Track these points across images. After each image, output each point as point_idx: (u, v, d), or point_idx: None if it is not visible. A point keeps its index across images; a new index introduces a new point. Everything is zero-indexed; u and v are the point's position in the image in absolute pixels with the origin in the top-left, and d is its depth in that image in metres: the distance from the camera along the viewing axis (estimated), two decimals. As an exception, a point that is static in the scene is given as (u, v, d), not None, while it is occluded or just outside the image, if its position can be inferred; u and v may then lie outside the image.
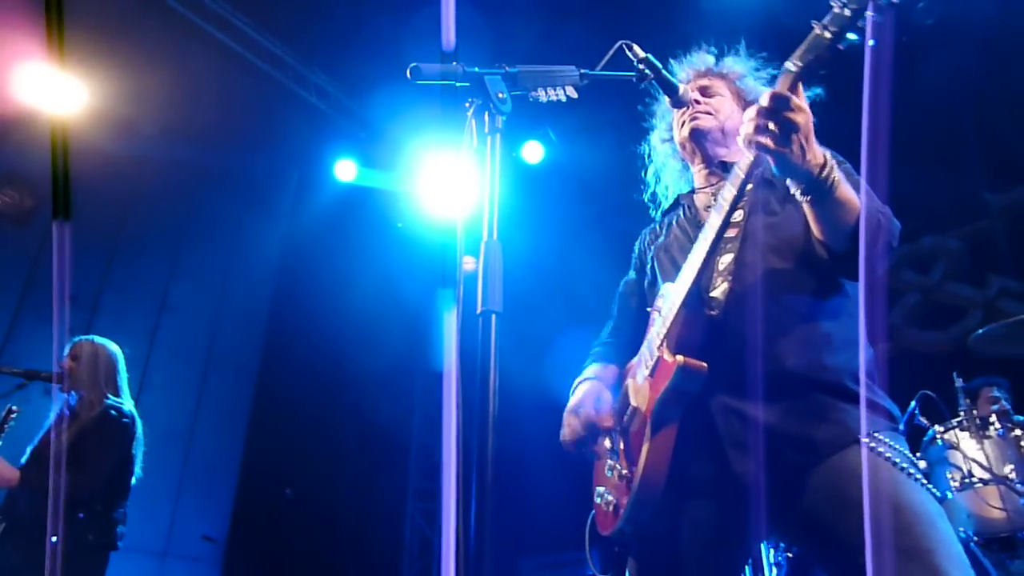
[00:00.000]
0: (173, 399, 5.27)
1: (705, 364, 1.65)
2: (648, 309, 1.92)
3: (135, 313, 5.28)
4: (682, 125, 2.02)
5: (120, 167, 5.01)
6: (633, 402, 1.79)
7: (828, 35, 1.47)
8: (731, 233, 1.77)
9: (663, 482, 1.68)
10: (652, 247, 2.08)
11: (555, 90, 1.66)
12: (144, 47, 4.99)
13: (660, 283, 1.93)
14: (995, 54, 4.69)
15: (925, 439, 3.49)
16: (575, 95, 1.70)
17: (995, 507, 3.12)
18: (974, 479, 3.22)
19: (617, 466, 1.81)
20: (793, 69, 1.50)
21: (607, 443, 1.90)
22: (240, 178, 5.92)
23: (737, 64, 2.11)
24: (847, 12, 1.44)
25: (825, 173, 1.52)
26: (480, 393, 1.27)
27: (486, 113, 1.49)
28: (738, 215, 1.75)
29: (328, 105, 6.16)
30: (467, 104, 1.51)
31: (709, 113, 2.00)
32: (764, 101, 1.47)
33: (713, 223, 1.66)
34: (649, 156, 2.26)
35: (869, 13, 1.43)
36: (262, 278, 6.35)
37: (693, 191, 2.10)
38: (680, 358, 1.65)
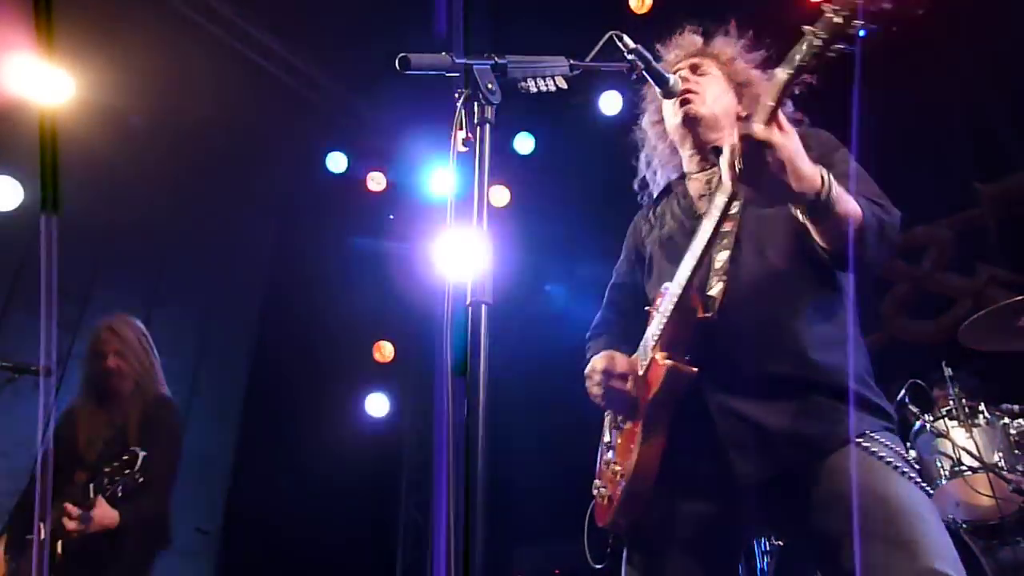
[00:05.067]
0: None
1: (695, 369, 1.66)
2: (647, 308, 1.90)
3: (126, 306, 5.26)
4: (675, 110, 2.01)
5: (110, 159, 4.97)
6: (627, 398, 1.80)
7: (819, 41, 1.44)
8: (727, 227, 1.76)
9: (653, 477, 1.70)
10: (648, 238, 2.06)
11: (545, 81, 1.66)
12: (134, 38, 4.95)
13: (660, 278, 1.91)
14: (986, 45, 4.70)
15: (915, 428, 3.52)
16: (565, 86, 1.69)
17: (984, 494, 3.16)
18: (963, 467, 3.25)
19: (612, 461, 1.83)
20: (784, 76, 1.48)
21: (606, 437, 1.92)
22: (232, 170, 5.89)
23: (727, 46, 2.09)
24: (838, 19, 1.41)
25: (823, 194, 1.50)
26: (470, 384, 1.27)
27: (476, 103, 1.49)
28: (734, 207, 1.74)
29: (321, 96, 6.14)
30: (457, 94, 1.51)
31: (699, 94, 1.98)
32: (734, 140, 1.46)
33: (706, 228, 1.66)
34: (641, 142, 2.24)
35: (859, 22, 1.40)
36: (254, 270, 6.34)
37: (684, 176, 2.08)
38: (669, 362, 1.66)
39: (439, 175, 6.16)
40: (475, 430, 1.23)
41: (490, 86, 1.50)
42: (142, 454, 2.85)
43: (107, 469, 2.86)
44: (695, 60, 2.06)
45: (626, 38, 1.79)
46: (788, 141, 1.46)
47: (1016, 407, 3.38)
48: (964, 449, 3.25)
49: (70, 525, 2.79)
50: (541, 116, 5.89)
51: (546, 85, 1.66)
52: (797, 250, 1.71)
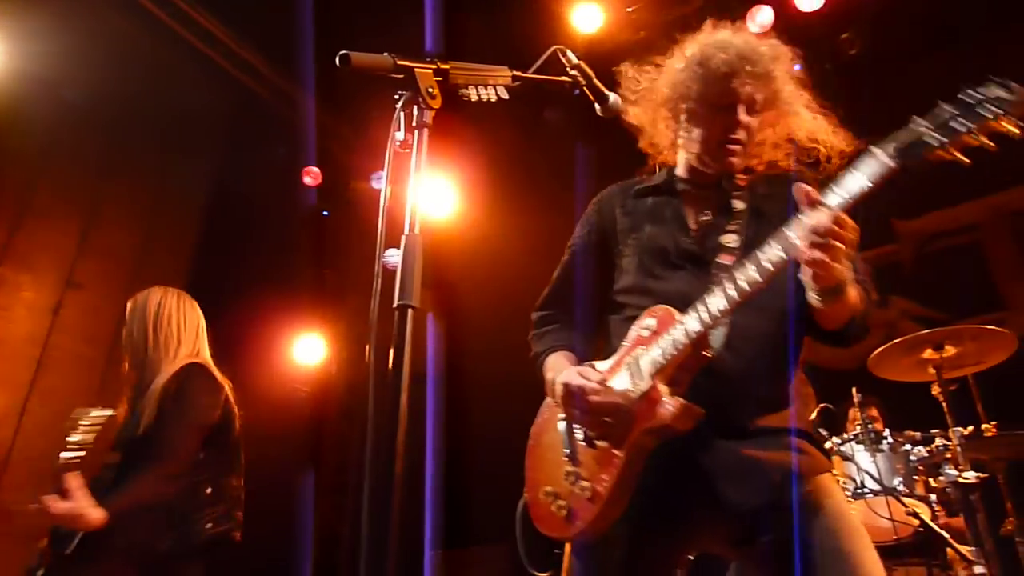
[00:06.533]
0: (77, 381, 5.03)
1: (703, 411, 1.63)
2: (628, 315, 1.83)
3: (37, 288, 5.03)
4: (713, 138, 1.85)
5: (35, 129, 4.76)
6: (608, 419, 1.73)
7: (935, 142, 1.33)
8: (726, 260, 1.75)
9: (627, 501, 1.69)
10: (626, 233, 1.95)
11: (487, 90, 1.66)
12: (68, 9, 4.75)
13: (644, 288, 1.84)
14: (903, 91, 4.94)
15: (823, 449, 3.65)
16: (506, 96, 1.70)
17: (883, 517, 3.30)
18: (866, 489, 3.40)
19: (577, 474, 1.76)
20: (892, 167, 1.37)
21: (563, 439, 1.83)
22: (161, 153, 5.71)
23: (780, 75, 1.86)
24: (959, 126, 1.31)
25: (844, 283, 1.52)
26: (393, 387, 1.26)
27: (415, 107, 1.49)
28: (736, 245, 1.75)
29: (262, 86, 6.00)
30: (396, 96, 1.50)
31: (746, 146, 1.85)
32: (825, 221, 1.41)
33: (751, 279, 1.56)
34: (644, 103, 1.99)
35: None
36: (180, 260, 6.13)
37: (677, 182, 1.96)
38: (680, 401, 1.63)
39: (377, 176, 6.11)
40: (393, 433, 1.22)
41: (431, 90, 1.50)
42: (107, 412, 2.58)
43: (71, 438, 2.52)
44: (752, 90, 1.82)
45: (569, 53, 1.81)
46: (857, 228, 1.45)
47: (918, 434, 3.55)
48: (867, 472, 3.40)
49: (44, 516, 2.47)
50: (484, 123, 5.90)
51: (487, 94, 1.67)
52: (784, 308, 1.71)
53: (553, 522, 1.78)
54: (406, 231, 1.37)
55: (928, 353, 3.46)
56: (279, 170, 6.26)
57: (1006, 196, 4.94)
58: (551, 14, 5.17)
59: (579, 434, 1.80)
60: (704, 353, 1.67)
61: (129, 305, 3.00)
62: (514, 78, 1.70)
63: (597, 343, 1.94)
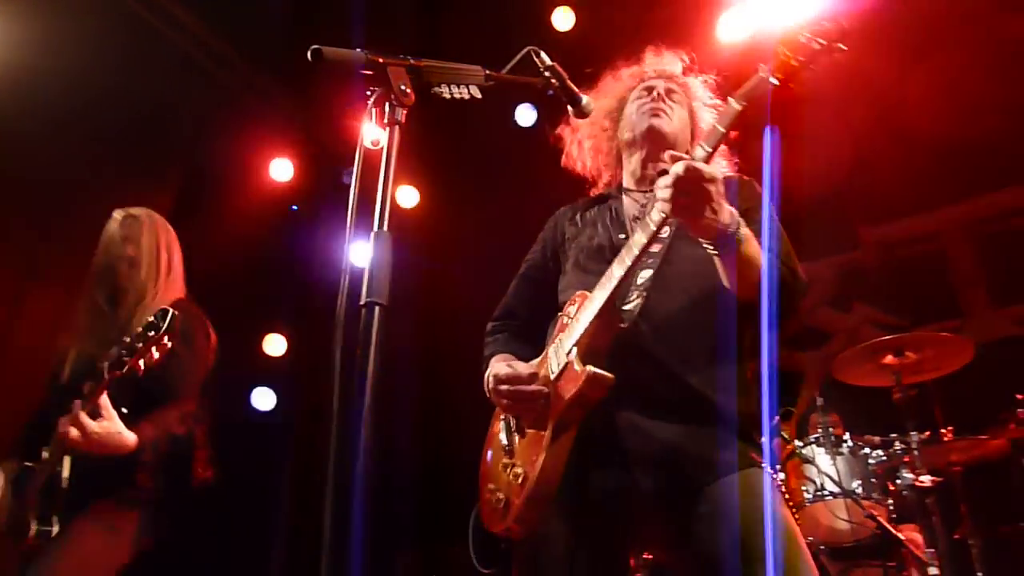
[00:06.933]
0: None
1: (612, 376, 1.68)
2: (560, 313, 1.91)
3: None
4: (641, 115, 2.05)
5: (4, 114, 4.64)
6: (535, 405, 1.78)
7: (775, 80, 1.58)
8: (654, 248, 1.81)
9: (556, 484, 1.72)
10: (571, 241, 2.07)
11: (459, 88, 1.66)
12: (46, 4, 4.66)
13: (574, 284, 1.93)
14: (874, 98, 5.04)
15: (786, 453, 3.71)
16: (479, 95, 1.71)
17: (842, 519, 3.36)
18: (825, 492, 3.45)
19: (512, 464, 1.82)
20: (738, 108, 1.61)
21: (503, 440, 1.90)
22: (133, 144, 5.60)
23: (698, 87, 2.16)
24: (795, 63, 1.56)
25: (731, 231, 1.60)
26: (358, 386, 1.26)
27: (387, 103, 1.48)
28: (665, 231, 1.79)
29: (233, 78, 5.92)
30: (368, 93, 1.50)
31: (669, 116, 2.03)
32: (680, 170, 1.54)
33: (639, 240, 1.69)
34: (583, 128, 2.22)
35: (813, 67, 1.57)
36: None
37: (621, 190, 2.10)
38: (589, 368, 1.67)
39: (346, 172, 6.06)
40: (357, 433, 1.21)
41: (403, 87, 1.50)
42: (172, 312, 2.21)
43: (126, 339, 2.22)
44: (671, 85, 2.11)
45: (543, 54, 1.82)
46: (719, 177, 1.57)
47: (877, 438, 3.62)
48: (827, 475, 3.45)
49: (72, 435, 2.22)
50: (457, 122, 5.89)
51: (460, 92, 1.67)
52: (711, 291, 1.78)
53: (494, 516, 1.84)
54: (375, 228, 1.36)
55: (889, 359, 3.53)
56: (251, 163, 6.18)
57: (969, 205, 5.05)
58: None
59: (514, 426, 1.87)
60: (617, 324, 1.74)
61: (126, 221, 2.79)
62: (487, 77, 1.70)
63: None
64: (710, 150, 1.63)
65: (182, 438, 2.54)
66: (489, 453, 1.96)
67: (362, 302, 1.32)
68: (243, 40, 5.78)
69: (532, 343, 2.02)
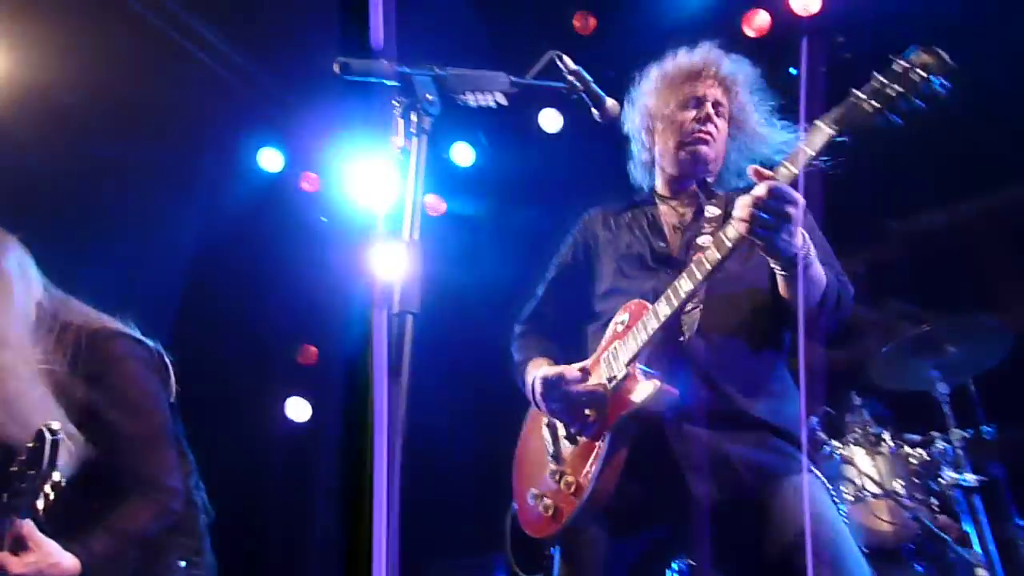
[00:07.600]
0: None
1: (677, 391, 1.68)
2: (609, 320, 1.89)
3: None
4: (684, 132, 1.97)
5: (25, 139, 4.74)
6: (588, 412, 1.79)
7: (870, 110, 1.48)
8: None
9: (612, 494, 1.72)
10: (605, 246, 2.05)
11: (484, 95, 1.67)
12: (60, 17, 4.74)
13: (617, 292, 1.92)
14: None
15: (823, 454, 3.64)
16: (504, 102, 1.71)
17: (884, 520, 3.29)
18: (866, 493, 3.39)
19: (561, 471, 1.81)
20: (830, 132, 1.52)
21: (550, 447, 1.88)
22: (158, 163, 5.69)
23: (745, 89, 2.01)
24: (894, 93, 1.45)
25: (803, 255, 1.58)
26: (391, 394, 1.26)
27: (413, 113, 1.49)
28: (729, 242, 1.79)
29: (255, 92, 5.99)
30: (394, 103, 1.51)
31: (716, 140, 1.97)
32: (762, 192, 1.50)
33: (711, 257, 1.66)
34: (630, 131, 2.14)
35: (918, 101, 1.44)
36: (174, 267, 6.10)
37: (654, 197, 2.08)
38: (657, 382, 1.68)
39: (373, 182, 6.09)
40: (393, 441, 1.21)
41: (429, 97, 1.50)
42: (53, 427, 1.69)
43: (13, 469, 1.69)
44: (716, 92, 1.99)
45: (566, 59, 1.82)
46: (801, 200, 1.53)
47: (917, 437, 3.55)
48: (867, 475, 3.39)
49: None
50: (481, 129, 5.91)
51: (485, 100, 1.67)
52: (763, 303, 1.78)
53: (541, 523, 1.83)
54: (406, 233, 1.37)
55: (927, 355, 3.46)
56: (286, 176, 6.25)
57: (1001, 196, 4.94)
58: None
59: (562, 432, 1.86)
60: (678, 338, 1.74)
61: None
62: (512, 83, 1.70)
63: (579, 354, 1.99)
64: (796, 172, 1.56)
65: (156, 530, 1.96)
66: (528, 458, 1.94)
67: (395, 311, 1.32)
68: (266, 54, 5.85)
69: (563, 344, 2.02)
